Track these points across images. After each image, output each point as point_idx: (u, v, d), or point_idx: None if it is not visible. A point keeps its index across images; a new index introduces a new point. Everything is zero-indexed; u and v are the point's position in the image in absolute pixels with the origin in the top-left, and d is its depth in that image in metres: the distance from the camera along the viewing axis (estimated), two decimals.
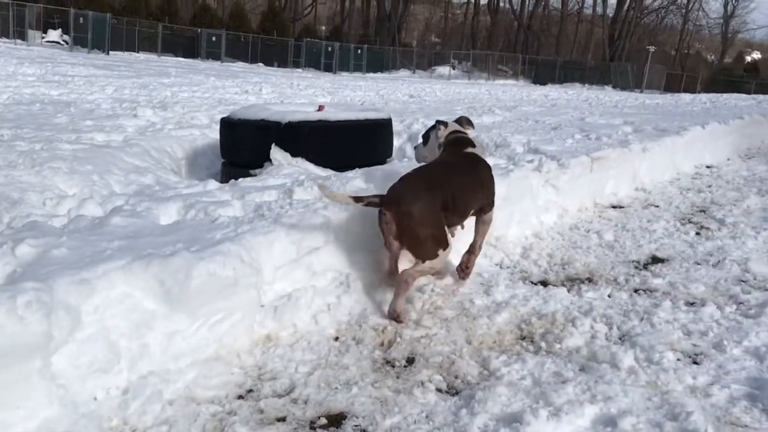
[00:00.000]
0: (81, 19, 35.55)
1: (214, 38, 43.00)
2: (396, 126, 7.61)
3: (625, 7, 57.89)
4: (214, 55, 42.40)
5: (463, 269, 3.50)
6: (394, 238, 2.97)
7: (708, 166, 7.75)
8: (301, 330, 2.81)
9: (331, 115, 5.33)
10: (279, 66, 45.57)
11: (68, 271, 2.30)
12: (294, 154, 5.16)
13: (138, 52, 39.81)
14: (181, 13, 48.60)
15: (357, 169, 4.61)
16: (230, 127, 5.42)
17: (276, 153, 5.11)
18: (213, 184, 4.32)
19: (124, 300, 2.37)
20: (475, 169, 3.41)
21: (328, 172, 5.15)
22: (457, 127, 3.70)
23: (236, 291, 2.60)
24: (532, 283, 3.64)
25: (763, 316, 3.13)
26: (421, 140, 3.87)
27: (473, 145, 3.56)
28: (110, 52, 36.05)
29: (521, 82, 52.14)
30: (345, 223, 3.19)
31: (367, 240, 3.27)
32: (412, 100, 16.03)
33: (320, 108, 5.73)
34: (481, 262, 3.84)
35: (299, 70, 44.93)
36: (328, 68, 46.29)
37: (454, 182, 3.19)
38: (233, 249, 2.66)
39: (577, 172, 5.15)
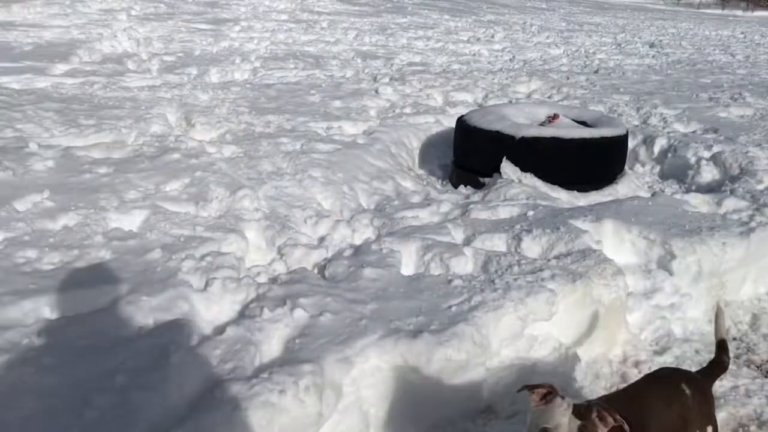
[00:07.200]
0: None
1: None
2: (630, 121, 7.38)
3: None
4: None
5: None
6: None
7: None
8: None
9: (565, 131, 5.37)
10: None
11: (333, 347, 2.79)
12: (524, 169, 5.32)
13: None
14: None
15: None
16: (466, 133, 5.68)
17: (506, 167, 5.31)
18: (445, 207, 4.67)
19: (375, 373, 2.83)
20: None
21: (557, 191, 5.26)
22: None
23: (465, 372, 2.95)
24: (756, 367, 3.55)
25: None
26: None
27: None
28: None
29: None
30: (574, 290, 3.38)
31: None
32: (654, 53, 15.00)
33: (554, 117, 5.77)
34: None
35: None
36: None
37: None
38: (467, 331, 2.99)
39: None
